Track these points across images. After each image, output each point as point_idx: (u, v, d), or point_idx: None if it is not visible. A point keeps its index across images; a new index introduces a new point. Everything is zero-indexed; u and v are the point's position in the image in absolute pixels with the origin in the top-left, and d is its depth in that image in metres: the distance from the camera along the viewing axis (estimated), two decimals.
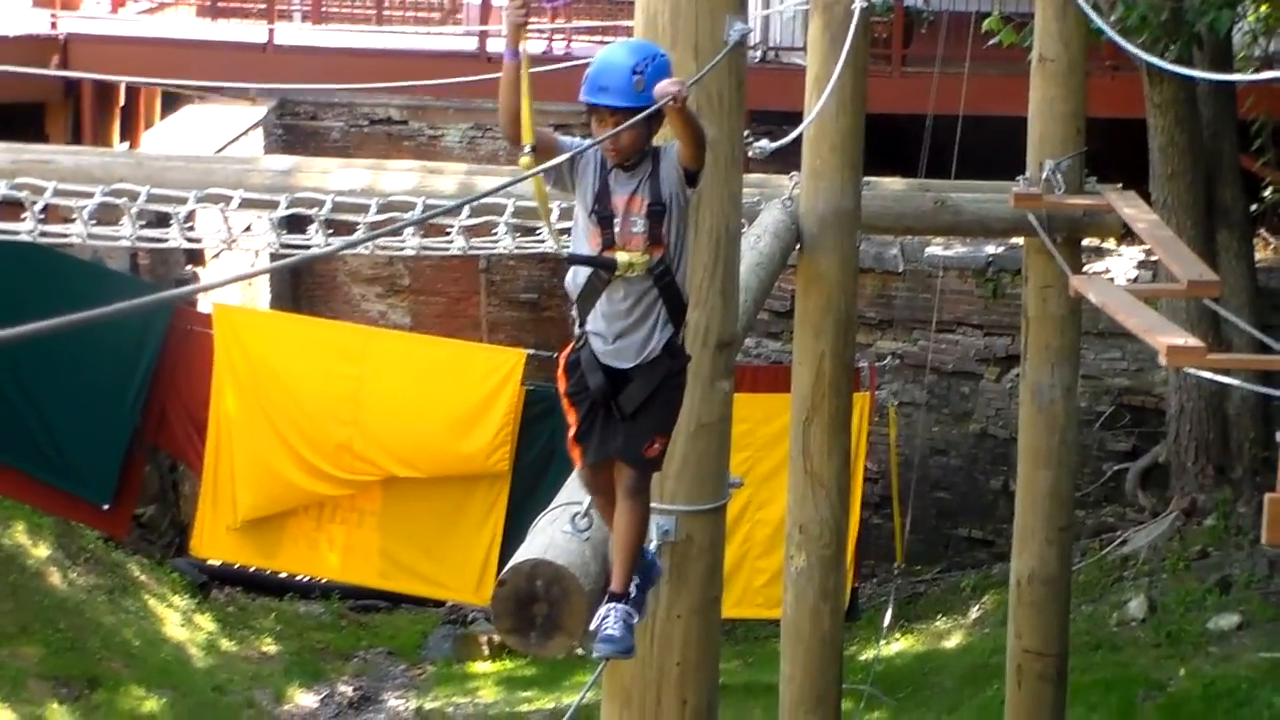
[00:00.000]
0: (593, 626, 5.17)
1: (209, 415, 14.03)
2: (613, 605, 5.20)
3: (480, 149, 22.86)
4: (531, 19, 4.96)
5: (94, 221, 10.70)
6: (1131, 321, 7.27)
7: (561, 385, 5.22)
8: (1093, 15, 9.78)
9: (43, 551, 16.56)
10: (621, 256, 5.04)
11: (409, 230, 10.54)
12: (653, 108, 4.86)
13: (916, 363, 18.63)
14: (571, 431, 5.18)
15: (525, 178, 5.01)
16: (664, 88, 4.86)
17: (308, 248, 10.90)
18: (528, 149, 4.95)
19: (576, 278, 5.15)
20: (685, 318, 5.23)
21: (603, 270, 5.08)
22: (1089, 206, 10.09)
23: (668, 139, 5.08)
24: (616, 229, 5.06)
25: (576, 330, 5.19)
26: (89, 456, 14.21)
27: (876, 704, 14.72)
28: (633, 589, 5.23)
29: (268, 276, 21.74)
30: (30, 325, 2.59)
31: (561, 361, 5.21)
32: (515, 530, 12.50)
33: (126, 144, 20.93)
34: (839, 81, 8.83)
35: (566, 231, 5.20)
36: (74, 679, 14.94)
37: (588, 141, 5.01)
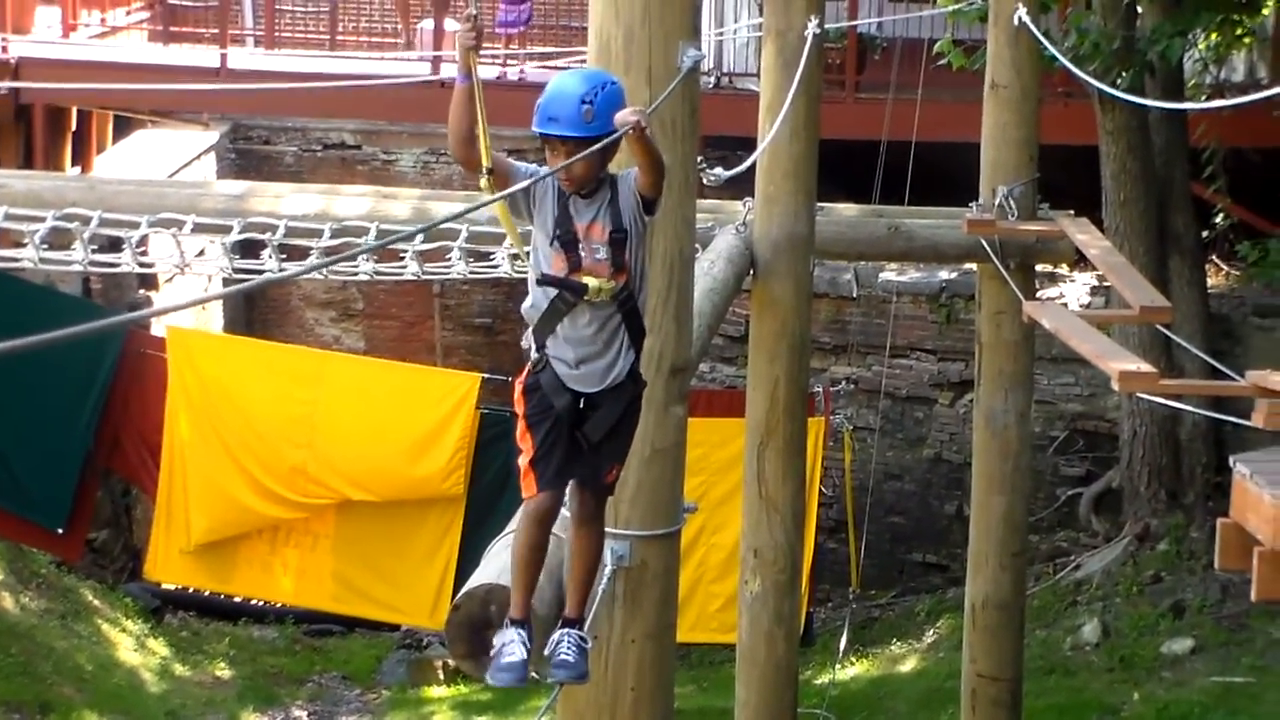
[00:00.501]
0: (546, 652, 5.18)
1: (163, 438, 13.97)
2: (567, 630, 5.20)
3: (434, 174, 22.85)
4: (485, 44, 4.96)
5: (46, 246, 10.66)
6: (1084, 347, 7.30)
7: (520, 408, 5.19)
8: (1045, 43, 9.85)
9: None
10: (591, 281, 5.04)
11: (362, 255, 10.53)
12: (612, 136, 4.86)
13: (871, 388, 18.67)
14: (528, 456, 5.14)
15: (484, 204, 5.02)
16: (624, 116, 4.85)
17: (261, 272, 10.87)
18: (485, 172, 4.94)
19: (536, 302, 5.14)
20: (644, 343, 5.23)
21: (570, 294, 5.06)
22: (1042, 233, 10.14)
23: (623, 166, 5.09)
24: (581, 254, 5.06)
25: (534, 354, 5.18)
26: (42, 480, 14.14)
27: None
28: (571, 653, 5.20)
29: (221, 301, 21.68)
30: None
31: (519, 386, 5.19)
32: (470, 555, 12.48)
33: (78, 168, 20.85)
34: (792, 107, 8.87)
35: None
36: (26, 704, 14.83)
37: (543, 171, 5.00)
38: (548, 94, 5.03)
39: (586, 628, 5.26)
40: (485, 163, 4.96)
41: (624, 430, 5.21)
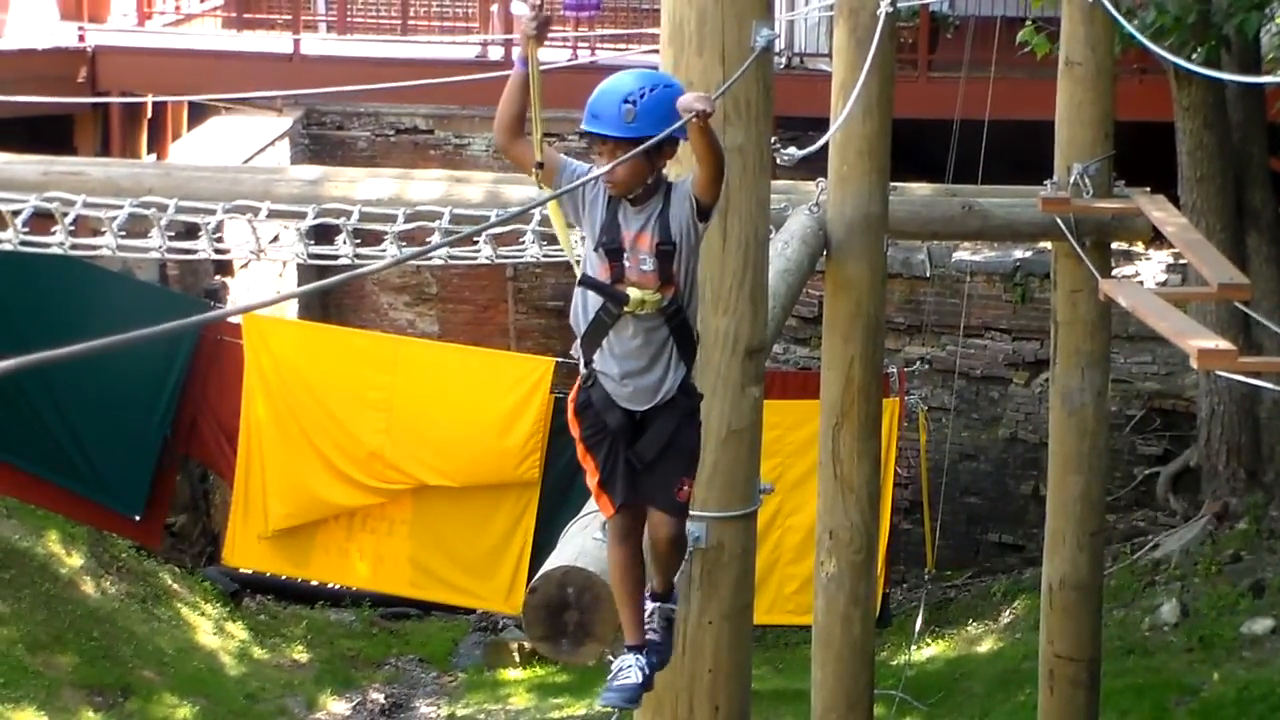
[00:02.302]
0: (610, 678, 5.10)
1: (240, 425, 14.08)
2: (659, 604, 5.14)
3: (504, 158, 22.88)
4: (552, 27, 4.85)
5: (123, 233, 10.73)
6: (1162, 325, 7.25)
7: (575, 430, 5.01)
8: (1120, 19, 9.76)
9: (76, 561, 16.63)
10: (634, 292, 4.83)
11: (437, 238, 10.54)
12: (675, 126, 4.61)
13: (945, 368, 18.60)
14: (595, 479, 4.99)
15: (545, 200, 4.90)
16: (688, 102, 4.59)
17: (335, 258, 10.91)
18: (535, 166, 4.78)
19: (585, 312, 4.95)
20: (696, 356, 5.03)
21: (612, 304, 4.86)
22: (1117, 210, 10.06)
23: (679, 175, 4.93)
24: (626, 264, 4.85)
25: (582, 369, 5.00)
26: (120, 468, 14.28)
27: (908, 709, 14.69)
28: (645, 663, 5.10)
29: (295, 286, 21.79)
30: (74, 347, 2.58)
31: (571, 406, 5.03)
32: (545, 538, 12.51)
33: (154, 155, 21.02)
34: (865, 87, 8.83)
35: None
36: (107, 687, 14.99)
37: (588, 172, 4.84)
38: (598, 90, 4.82)
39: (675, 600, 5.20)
40: (537, 155, 4.77)
41: (683, 445, 4.99)
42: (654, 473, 4.96)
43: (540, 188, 4.87)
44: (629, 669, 5.02)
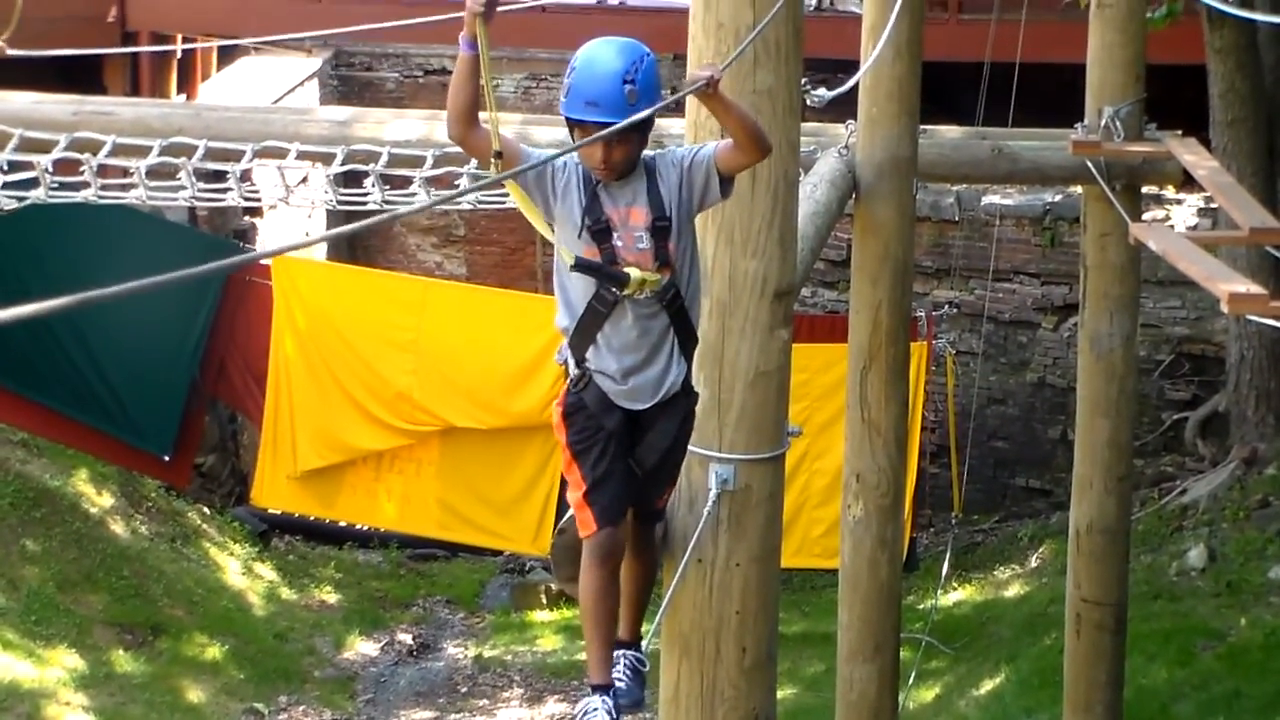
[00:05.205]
0: None
1: (268, 366, 14.12)
2: (622, 652, 4.90)
3: (535, 99, 22.84)
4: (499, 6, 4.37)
5: (152, 181, 10.70)
6: (1193, 269, 7.20)
7: (562, 435, 4.68)
8: None
9: (106, 500, 16.71)
10: (634, 272, 4.50)
11: (465, 180, 10.51)
12: (679, 96, 4.42)
13: (973, 311, 18.57)
14: (580, 490, 4.66)
15: (492, 180, 4.56)
16: (696, 73, 4.36)
17: (364, 201, 10.89)
18: (494, 156, 4.43)
19: (571, 306, 4.60)
20: (695, 351, 4.74)
21: (612, 286, 4.50)
22: (1148, 153, 10.00)
23: (659, 146, 4.76)
24: (618, 244, 4.51)
25: (573, 370, 4.67)
26: (149, 408, 14.35)
27: (934, 653, 14.72)
28: (624, 677, 4.86)
29: (323, 226, 21.80)
30: (107, 290, 2.58)
31: (558, 410, 4.70)
32: None
33: (183, 96, 21.01)
34: (895, 28, 8.77)
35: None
36: (138, 626, 15.09)
37: (551, 155, 4.55)
38: (580, 72, 4.44)
39: (644, 648, 4.99)
40: (495, 145, 4.40)
41: (679, 451, 4.79)
42: (648, 480, 4.73)
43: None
44: (594, 713, 4.72)
